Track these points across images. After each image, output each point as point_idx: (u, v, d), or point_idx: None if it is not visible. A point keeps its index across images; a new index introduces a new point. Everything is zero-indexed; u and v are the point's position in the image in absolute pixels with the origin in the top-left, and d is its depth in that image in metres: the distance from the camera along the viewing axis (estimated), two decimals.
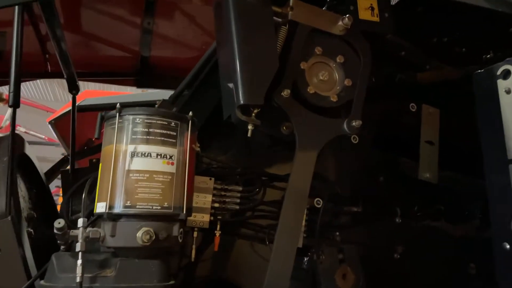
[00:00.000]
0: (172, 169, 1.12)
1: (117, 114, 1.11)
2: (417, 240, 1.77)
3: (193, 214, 1.39)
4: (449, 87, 1.89)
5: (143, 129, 1.10)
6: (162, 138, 1.12)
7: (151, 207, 1.06)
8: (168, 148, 1.12)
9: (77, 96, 2.13)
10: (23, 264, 1.14)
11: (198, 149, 1.24)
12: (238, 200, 1.47)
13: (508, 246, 1.11)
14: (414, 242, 1.76)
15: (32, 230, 1.65)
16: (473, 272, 1.77)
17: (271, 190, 1.59)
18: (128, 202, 1.06)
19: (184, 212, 1.12)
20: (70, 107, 2.16)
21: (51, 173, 2.49)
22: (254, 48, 1.23)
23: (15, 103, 1.24)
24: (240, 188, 1.48)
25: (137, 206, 1.06)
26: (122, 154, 1.09)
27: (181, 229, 1.14)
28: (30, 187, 1.86)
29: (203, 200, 1.41)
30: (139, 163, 1.08)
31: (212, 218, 1.41)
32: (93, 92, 3.70)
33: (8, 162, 1.25)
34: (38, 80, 8.72)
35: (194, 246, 1.38)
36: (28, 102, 7.84)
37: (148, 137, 1.10)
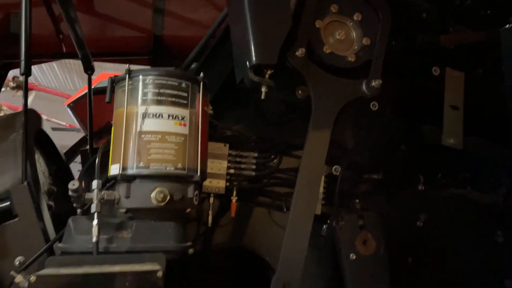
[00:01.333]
0: (184, 130, 1.09)
1: (127, 75, 1.08)
2: (442, 208, 1.71)
3: (209, 180, 1.37)
4: (473, 50, 1.79)
5: (154, 90, 1.08)
6: (173, 99, 1.09)
7: (164, 168, 1.05)
8: (179, 109, 1.09)
9: (93, 80, 2.14)
10: (42, 230, 1.15)
11: (211, 111, 1.21)
12: (254, 167, 1.44)
13: None
14: (438, 210, 1.70)
15: (52, 203, 1.67)
16: (500, 240, 1.70)
17: (287, 158, 1.56)
18: (141, 163, 1.04)
19: (199, 174, 1.10)
20: (86, 91, 2.17)
21: (71, 153, 2.53)
22: (265, 7, 1.19)
23: (27, 71, 1.24)
24: (256, 155, 1.45)
25: (151, 167, 1.04)
26: (134, 116, 1.07)
27: (196, 192, 1.12)
28: (50, 164, 1.88)
29: (218, 166, 1.38)
30: (151, 124, 1.06)
31: (228, 184, 1.39)
32: (108, 75, 3.72)
33: (23, 127, 1.26)
34: (57, 70, 8.88)
35: (210, 212, 1.36)
36: (49, 90, 8.02)
37: (159, 97, 1.08)
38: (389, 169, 1.64)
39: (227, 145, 1.42)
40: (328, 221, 1.54)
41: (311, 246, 1.55)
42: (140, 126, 1.06)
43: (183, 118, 1.09)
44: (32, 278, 0.77)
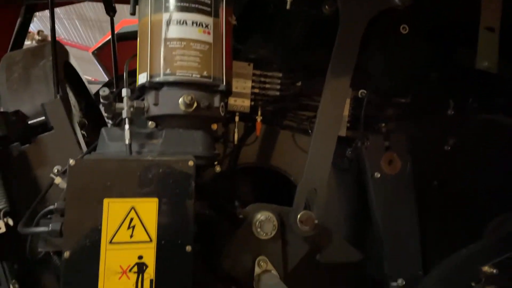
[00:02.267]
0: (208, 38, 1.08)
1: None
2: (471, 134, 1.67)
3: (233, 98, 1.38)
4: None
5: None
6: (197, 6, 1.07)
7: (190, 75, 1.05)
8: (203, 16, 1.07)
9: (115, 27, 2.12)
10: (77, 142, 1.20)
11: (235, 22, 1.18)
12: (279, 87, 1.43)
13: None
14: (467, 135, 1.65)
15: (84, 133, 1.73)
16: None
17: (312, 83, 1.53)
18: (168, 69, 1.05)
19: (224, 83, 1.10)
20: (110, 36, 2.17)
21: (97, 97, 2.59)
22: None
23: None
24: (280, 75, 1.43)
25: (177, 74, 1.05)
26: (158, 23, 1.06)
27: (222, 103, 1.13)
28: (79, 99, 1.93)
29: (243, 85, 1.38)
30: (175, 31, 1.05)
31: (252, 103, 1.39)
32: (129, 22, 3.70)
33: (52, 47, 1.28)
34: (80, 27, 8.90)
35: (236, 130, 1.38)
36: (72, 44, 8.12)
37: (182, 4, 1.06)
38: (418, 92, 1.59)
39: (251, 65, 1.40)
40: (353, 144, 1.54)
41: (336, 168, 1.58)
42: (165, 33, 1.05)
43: (207, 26, 1.08)
44: (72, 161, 0.81)
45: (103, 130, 1.13)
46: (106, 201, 0.81)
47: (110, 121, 1.20)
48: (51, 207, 0.92)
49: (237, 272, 1.12)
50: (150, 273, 0.81)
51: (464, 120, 1.67)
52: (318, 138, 1.19)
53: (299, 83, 1.48)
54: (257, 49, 1.54)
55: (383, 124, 1.57)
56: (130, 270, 0.80)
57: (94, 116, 2.01)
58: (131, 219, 0.81)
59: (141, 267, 0.81)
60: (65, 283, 0.77)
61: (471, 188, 1.64)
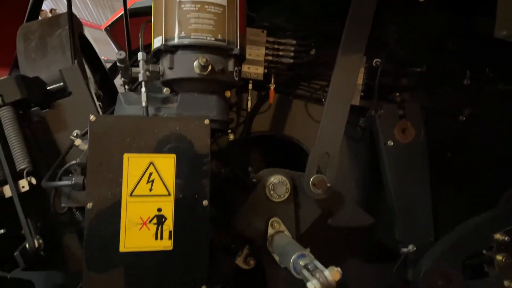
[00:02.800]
0: (223, 1, 1.08)
1: None
2: (487, 104, 1.64)
3: (247, 66, 1.38)
4: None
5: None
6: None
7: (205, 38, 1.06)
8: None
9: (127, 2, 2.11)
10: (94, 106, 1.23)
11: None
12: (292, 54, 1.42)
13: None
14: (483, 105, 1.63)
15: (100, 104, 1.76)
16: None
17: (326, 51, 1.51)
18: (183, 32, 1.06)
19: (238, 47, 1.11)
20: (122, 12, 2.16)
21: (112, 72, 2.61)
22: None
23: None
24: (294, 42, 1.43)
25: (192, 36, 1.05)
26: None
27: (236, 68, 1.14)
28: (94, 72, 1.95)
29: (256, 52, 1.38)
30: None
31: (266, 71, 1.39)
32: None
33: (68, 15, 1.29)
34: (91, 6, 8.88)
35: (249, 98, 1.39)
36: (84, 23, 8.11)
37: None
38: (433, 62, 1.57)
39: (265, 32, 1.40)
40: (367, 113, 1.54)
41: (349, 137, 1.58)
42: None
43: None
44: (92, 117, 0.84)
45: (120, 94, 1.15)
46: (126, 156, 0.84)
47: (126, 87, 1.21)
48: (74, 161, 0.95)
49: (251, 232, 1.15)
50: (169, 225, 0.84)
51: (480, 90, 1.65)
52: (331, 103, 1.20)
53: (313, 51, 1.47)
54: (271, 17, 1.53)
55: (398, 94, 1.56)
56: (150, 222, 0.84)
57: (108, 90, 2.04)
58: (150, 174, 0.84)
59: (160, 219, 0.84)
60: (88, 233, 0.81)
61: (485, 159, 1.62)
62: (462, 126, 1.62)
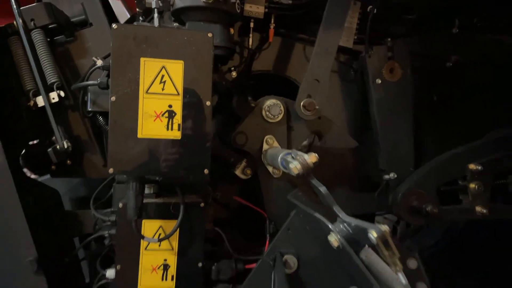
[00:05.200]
0: None
1: None
2: (474, 52, 1.76)
3: (249, 5, 1.51)
4: None
5: None
6: None
7: None
8: None
9: None
10: None
11: None
12: None
13: None
14: (470, 53, 1.75)
15: None
16: None
17: None
18: None
19: None
20: None
21: None
22: None
23: None
24: None
25: None
26: None
27: (238, 1, 1.28)
28: None
29: None
30: None
31: (266, 10, 1.53)
32: None
33: None
34: None
35: (251, 35, 1.53)
36: None
37: None
38: (424, 9, 1.68)
39: None
40: (359, 55, 1.67)
41: (342, 79, 1.72)
42: None
43: None
44: (114, 25, 0.99)
45: (135, 23, 1.30)
46: (142, 59, 1.00)
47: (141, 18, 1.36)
48: (99, 64, 1.12)
49: (248, 147, 1.32)
50: (178, 119, 1.01)
51: (468, 38, 1.76)
52: (322, 36, 1.34)
53: None
54: None
55: (389, 39, 1.68)
56: (162, 115, 1.00)
57: None
58: (162, 76, 1.00)
59: (171, 113, 1.01)
60: (112, 122, 0.98)
61: (470, 101, 1.75)
62: (449, 72, 1.75)
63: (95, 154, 1.39)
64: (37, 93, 1.23)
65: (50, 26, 1.29)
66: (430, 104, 1.73)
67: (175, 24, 1.31)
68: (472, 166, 1.51)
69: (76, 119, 1.35)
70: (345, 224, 0.89)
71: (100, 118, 1.25)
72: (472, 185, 1.52)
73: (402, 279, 0.77)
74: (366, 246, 0.86)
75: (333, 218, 0.94)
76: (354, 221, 0.86)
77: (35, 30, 1.25)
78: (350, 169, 1.67)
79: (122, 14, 1.77)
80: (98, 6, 1.38)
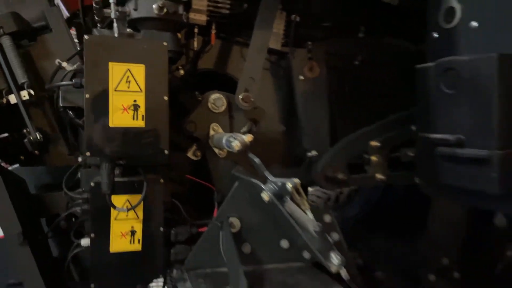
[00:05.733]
0: None
1: None
2: (376, 52, 2.20)
3: (193, 14, 1.79)
4: None
5: None
6: None
7: None
8: None
9: None
10: (71, 41, 1.58)
11: None
12: (229, 6, 1.85)
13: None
14: (373, 53, 2.19)
15: None
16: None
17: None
18: None
19: None
20: None
21: None
22: None
23: None
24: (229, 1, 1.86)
25: None
26: None
27: (185, 12, 1.55)
28: None
29: (200, 3, 1.79)
30: None
31: (208, 18, 1.81)
32: None
33: None
34: None
35: (196, 39, 1.81)
36: None
37: None
38: (335, 17, 2.07)
39: None
40: (286, 56, 2.03)
41: (272, 75, 2.07)
42: None
43: None
44: (86, 36, 1.22)
45: (94, 30, 1.52)
46: (110, 64, 1.24)
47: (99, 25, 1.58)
48: (75, 66, 1.34)
49: (198, 133, 1.61)
50: (141, 111, 1.27)
51: (370, 42, 2.20)
52: (255, 41, 1.66)
53: (245, 6, 1.91)
54: None
55: (309, 43, 2.06)
56: (129, 108, 1.26)
57: None
58: (128, 77, 1.25)
59: (136, 107, 1.26)
60: (87, 116, 1.21)
61: (373, 92, 2.20)
62: (357, 69, 2.17)
63: (60, 145, 1.59)
64: (9, 92, 1.40)
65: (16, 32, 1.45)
66: (343, 94, 2.15)
67: (129, 30, 1.55)
68: (372, 143, 1.93)
69: (42, 114, 1.53)
70: (272, 184, 1.23)
71: (70, 112, 1.46)
72: (373, 158, 1.95)
73: (310, 215, 1.12)
74: (287, 198, 1.20)
75: (265, 181, 1.28)
76: (278, 180, 1.20)
77: (4, 36, 1.41)
78: (281, 149, 2.04)
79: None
80: (58, 14, 1.57)
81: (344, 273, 1.24)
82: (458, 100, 1.47)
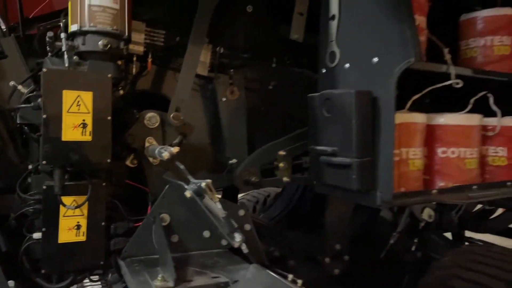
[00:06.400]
0: (117, 6, 1.84)
1: None
2: (286, 79, 2.71)
3: (132, 45, 2.15)
4: None
5: None
6: None
7: (106, 27, 1.80)
8: None
9: None
10: (24, 66, 1.86)
11: None
12: (163, 39, 2.24)
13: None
14: (284, 80, 2.70)
15: None
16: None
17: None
18: (92, 23, 1.78)
19: (126, 34, 1.88)
20: None
21: None
22: None
23: None
24: (164, 32, 2.24)
25: (97, 26, 1.79)
26: None
27: (125, 46, 1.91)
28: None
29: (138, 37, 2.15)
30: (97, 1, 1.78)
31: (145, 49, 2.18)
32: None
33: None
34: None
35: (134, 65, 2.16)
36: None
37: None
38: (254, 50, 2.55)
39: (144, 23, 2.17)
40: (213, 82, 2.46)
41: (202, 96, 2.48)
42: (90, 2, 1.77)
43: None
44: (44, 70, 1.52)
45: (46, 58, 1.82)
46: (64, 91, 1.56)
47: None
48: (32, 93, 1.63)
49: (135, 145, 1.97)
50: (89, 128, 1.61)
51: (281, 70, 2.72)
52: (185, 68, 2.07)
53: (178, 39, 2.31)
54: (149, 12, 2.30)
55: (231, 70, 2.51)
56: (78, 126, 1.59)
57: None
58: (78, 101, 1.58)
59: (84, 125, 1.60)
60: (44, 132, 1.52)
61: (283, 111, 2.70)
62: (270, 92, 2.67)
63: (11, 155, 1.85)
64: None
65: None
66: (259, 113, 2.62)
67: (75, 57, 1.87)
68: (280, 152, 2.43)
69: None
70: (194, 184, 1.63)
71: (26, 128, 1.74)
72: (280, 164, 2.44)
73: (219, 205, 1.55)
74: (205, 195, 1.61)
75: (188, 183, 1.68)
76: (198, 181, 1.61)
77: None
78: (208, 157, 2.45)
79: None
80: (12, 43, 1.83)
81: (244, 247, 1.66)
82: (333, 122, 2.00)
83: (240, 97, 2.46)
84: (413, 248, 3.10)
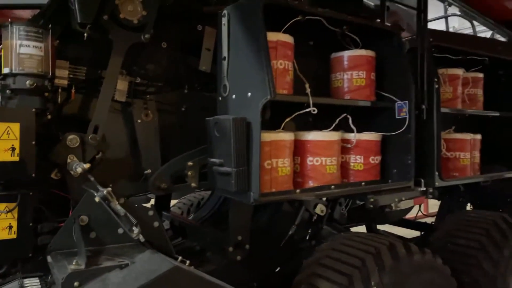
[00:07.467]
0: (42, 53, 2.34)
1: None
2: (196, 102, 3.31)
3: (57, 80, 2.64)
4: None
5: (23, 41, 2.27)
6: (34, 36, 2.30)
7: (33, 70, 2.31)
8: (38, 43, 2.32)
9: None
10: None
11: (56, 45, 2.45)
12: (85, 73, 2.75)
13: None
14: (193, 103, 3.29)
15: None
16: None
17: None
18: (21, 67, 2.28)
19: (50, 74, 2.39)
20: None
21: None
22: None
23: None
24: (85, 68, 2.75)
25: (25, 70, 2.29)
26: (14, 45, 2.26)
27: (50, 83, 2.42)
28: None
29: (62, 72, 2.65)
30: (24, 50, 2.28)
31: (69, 82, 2.68)
32: None
33: None
34: None
35: (59, 96, 2.65)
36: None
37: (27, 35, 2.28)
38: (168, 80, 3.12)
39: (67, 62, 2.68)
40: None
41: (121, 118, 3.01)
42: (18, 51, 2.27)
43: (40, 47, 2.33)
44: None
45: None
46: None
47: None
48: None
49: (59, 161, 2.47)
50: (17, 151, 2.10)
51: (192, 95, 3.30)
52: (102, 96, 2.60)
53: (99, 71, 2.82)
54: (72, 52, 2.79)
55: (148, 96, 3.06)
56: (8, 149, 2.08)
57: None
58: (8, 131, 2.08)
59: (13, 149, 2.09)
60: None
61: (194, 129, 3.28)
62: (183, 113, 3.25)
63: None
64: None
65: None
66: (174, 131, 3.19)
67: (8, 92, 2.35)
68: (189, 163, 3.01)
69: None
70: (101, 192, 2.18)
71: None
72: (189, 173, 3.02)
73: (119, 207, 2.10)
74: (112, 199, 2.16)
75: (97, 190, 2.22)
76: (103, 189, 2.15)
77: None
78: (128, 168, 2.98)
79: None
80: None
81: (140, 237, 2.21)
82: (220, 140, 2.62)
83: (153, 119, 3.02)
84: (307, 237, 3.81)
